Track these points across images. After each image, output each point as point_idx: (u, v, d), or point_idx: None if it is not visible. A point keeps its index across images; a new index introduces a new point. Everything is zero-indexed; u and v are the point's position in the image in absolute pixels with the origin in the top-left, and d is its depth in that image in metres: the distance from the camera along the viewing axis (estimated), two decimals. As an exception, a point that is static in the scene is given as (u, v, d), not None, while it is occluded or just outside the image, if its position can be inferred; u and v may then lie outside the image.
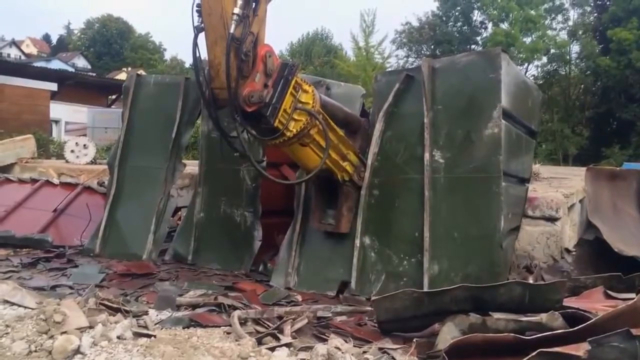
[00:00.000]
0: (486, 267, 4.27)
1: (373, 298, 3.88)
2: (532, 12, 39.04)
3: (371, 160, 4.95)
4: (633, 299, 2.84)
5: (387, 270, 4.68)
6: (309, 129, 4.27)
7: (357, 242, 4.82)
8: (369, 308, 4.06)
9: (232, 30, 3.75)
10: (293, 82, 4.13)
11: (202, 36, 3.94)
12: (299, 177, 5.28)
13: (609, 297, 3.82)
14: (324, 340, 3.30)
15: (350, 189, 4.91)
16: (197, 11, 3.90)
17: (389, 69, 33.41)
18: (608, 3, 37.83)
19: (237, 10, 3.78)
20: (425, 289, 4.19)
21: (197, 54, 3.96)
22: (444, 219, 4.53)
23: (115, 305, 3.68)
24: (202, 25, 3.89)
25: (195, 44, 3.93)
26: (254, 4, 3.90)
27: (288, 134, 4.16)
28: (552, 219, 5.26)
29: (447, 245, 4.47)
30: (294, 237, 5.21)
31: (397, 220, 4.79)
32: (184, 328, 3.45)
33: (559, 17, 40.85)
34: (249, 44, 3.86)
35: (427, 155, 4.67)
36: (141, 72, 11.54)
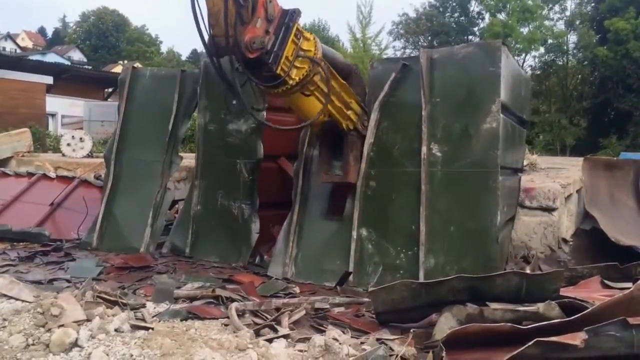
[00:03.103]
0: (482, 261, 4.29)
1: (370, 289, 3.88)
2: (530, 2, 38.91)
3: (367, 150, 4.94)
4: (629, 288, 2.84)
5: (385, 262, 4.69)
6: (311, 77, 4.22)
7: (355, 233, 4.82)
8: (366, 299, 4.07)
9: None
10: (294, 28, 4.07)
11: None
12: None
13: (605, 286, 3.83)
14: (322, 332, 3.31)
15: (355, 138, 4.88)
16: None
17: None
18: (605, -7, 37.72)
19: None
20: None
21: (196, 2, 3.87)
22: (440, 213, 4.54)
23: (112, 298, 3.67)
24: None
25: None
26: None
27: (290, 81, 4.12)
28: (550, 209, 5.27)
29: (443, 239, 4.49)
30: (291, 228, 5.21)
31: (394, 212, 4.79)
32: (181, 320, 3.46)
33: (556, 7, 40.76)
34: None
35: (424, 149, 4.67)
36: (137, 64, 11.48)
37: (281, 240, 5.24)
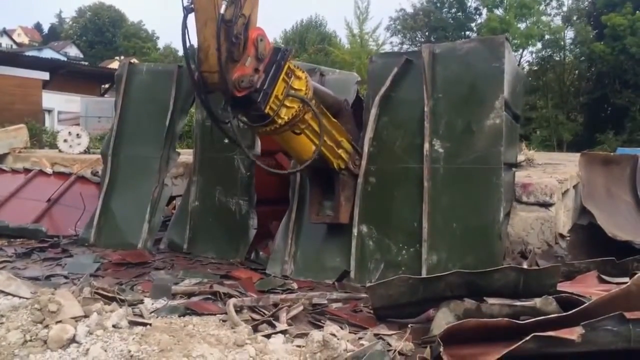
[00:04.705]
0: (484, 258, 4.26)
1: (368, 285, 3.89)
2: (527, -3, 38.84)
3: (367, 146, 4.90)
4: (626, 283, 2.85)
5: (386, 259, 4.68)
6: (301, 116, 4.18)
7: (355, 230, 4.80)
8: (364, 295, 4.07)
9: (222, 12, 3.66)
10: (285, 67, 4.04)
11: (192, 18, 3.81)
12: (293, 166, 5.23)
13: (602, 281, 3.84)
14: (320, 327, 3.32)
15: (347, 177, 4.83)
16: None
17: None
18: (602, -12, 37.66)
19: None
20: None
21: (187, 37, 3.85)
22: (442, 210, 4.52)
23: (110, 294, 3.67)
24: (192, 6, 3.76)
25: (184, 26, 3.81)
26: None
27: (279, 121, 4.08)
28: (546, 205, 5.27)
29: (445, 235, 4.48)
30: (289, 225, 5.20)
31: (395, 209, 4.77)
32: (179, 316, 3.46)
33: (554, 3, 40.66)
34: (240, 27, 3.75)
35: (426, 145, 4.64)
36: (134, 60, 11.44)
37: (280, 237, 5.22)
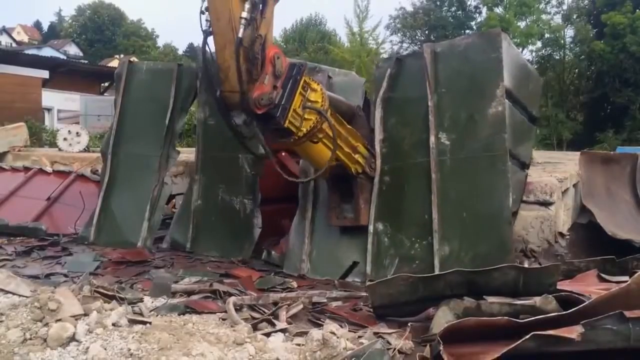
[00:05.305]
0: (496, 245, 4.32)
1: (368, 283, 3.89)
2: (527, -4, 38.79)
3: (379, 147, 4.98)
4: (626, 281, 2.85)
5: (400, 254, 4.71)
6: (319, 127, 4.26)
7: (371, 228, 4.84)
8: (364, 293, 4.08)
9: (240, 35, 3.76)
10: (302, 81, 4.13)
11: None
12: (304, 167, 5.25)
13: (602, 280, 3.84)
14: (319, 326, 3.32)
15: (364, 181, 4.92)
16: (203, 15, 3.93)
17: (384, 55, 33.35)
18: (602, -14, 37.62)
19: (245, 14, 3.78)
20: (437, 271, 4.24)
21: (206, 59, 4.00)
22: (452, 200, 4.57)
23: (110, 293, 3.67)
24: (211, 29, 3.90)
25: (204, 48, 3.96)
26: (261, 6, 3.91)
27: (299, 133, 4.17)
28: (546, 204, 5.27)
29: (456, 226, 4.52)
30: (306, 225, 5.20)
31: (407, 204, 4.83)
32: (179, 315, 3.46)
33: (553, 1, 40.61)
34: (258, 47, 3.87)
35: (432, 138, 4.71)
36: (134, 59, 11.45)
37: (294, 236, 5.23)
